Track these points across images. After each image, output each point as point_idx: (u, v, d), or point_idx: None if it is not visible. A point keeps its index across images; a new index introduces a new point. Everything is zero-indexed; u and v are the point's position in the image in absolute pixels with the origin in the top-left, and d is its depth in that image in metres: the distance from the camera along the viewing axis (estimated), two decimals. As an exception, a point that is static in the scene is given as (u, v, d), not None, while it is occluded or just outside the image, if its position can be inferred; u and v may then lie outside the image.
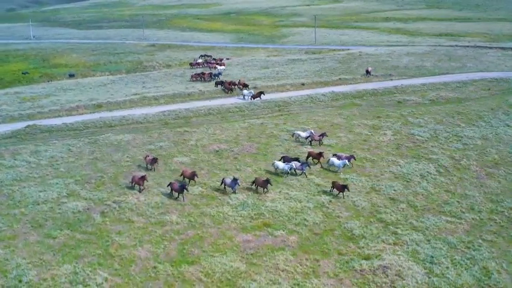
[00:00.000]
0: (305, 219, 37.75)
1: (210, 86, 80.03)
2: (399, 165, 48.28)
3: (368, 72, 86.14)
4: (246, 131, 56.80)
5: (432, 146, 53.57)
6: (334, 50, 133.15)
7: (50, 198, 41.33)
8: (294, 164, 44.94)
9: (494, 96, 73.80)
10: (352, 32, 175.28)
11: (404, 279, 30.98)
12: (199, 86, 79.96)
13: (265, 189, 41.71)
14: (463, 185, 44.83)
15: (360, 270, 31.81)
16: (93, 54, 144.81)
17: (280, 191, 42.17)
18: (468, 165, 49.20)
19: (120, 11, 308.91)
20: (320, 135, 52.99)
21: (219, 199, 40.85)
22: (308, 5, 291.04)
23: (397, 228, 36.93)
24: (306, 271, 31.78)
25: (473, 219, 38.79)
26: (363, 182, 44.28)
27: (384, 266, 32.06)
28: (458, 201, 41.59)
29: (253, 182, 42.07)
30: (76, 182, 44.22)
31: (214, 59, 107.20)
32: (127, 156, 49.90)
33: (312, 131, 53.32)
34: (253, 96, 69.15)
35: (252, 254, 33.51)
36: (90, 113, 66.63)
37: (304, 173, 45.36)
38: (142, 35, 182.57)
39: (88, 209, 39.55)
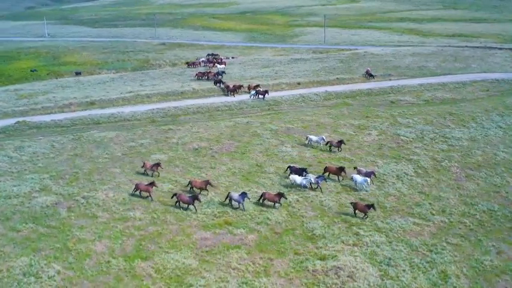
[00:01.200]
0: (268, 218, 37.42)
1: (206, 84, 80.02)
2: (377, 165, 47.54)
3: (367, 73, 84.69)
4: (230, 130, 56.60)
5: (415, 147, 52.64)
6: (342, 49, 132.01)
7: (22, 192, 41.71)
8: (311, 178, 41.82)
9: (492, 97, 72.20)
10: (364, 32, 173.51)
11: (355, 281, 30.46)
12: (195, 84, 80.00)
13: (277, 204, 38.69)
14: (438, 187, 43.95)
15: (313, 271, 31.39)
16: (103, 52, 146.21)
17: (249, 190, 41.90)
18: (449, 166, 48.24)
19: (138, 10, 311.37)
20: (337, 142, 50.33)
21: (186, 196, 40.77)
22: (324, 5, 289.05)
23: (360, 229, 36.34)
24: (257, 270, 31.49)
25: (442, 221, 38.04)
26: (335, 182, 43.67)
27: (338, 267, 31.57)
28: (430, 203, 40.81)
29: (261, 197, 39.12)
30: (50, 178, 44.59)
31: (214, 58, 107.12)
32: (106, 153, 50.16)
33: (324, 137, 51.11)
34: (259, 93, 70.21)
35: (206, 252, 33.36)
36: (82, 110, 67.23)
37: (320, 187, 42.14)
38: (154, 33, 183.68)
39: (56, 203, 39.81)
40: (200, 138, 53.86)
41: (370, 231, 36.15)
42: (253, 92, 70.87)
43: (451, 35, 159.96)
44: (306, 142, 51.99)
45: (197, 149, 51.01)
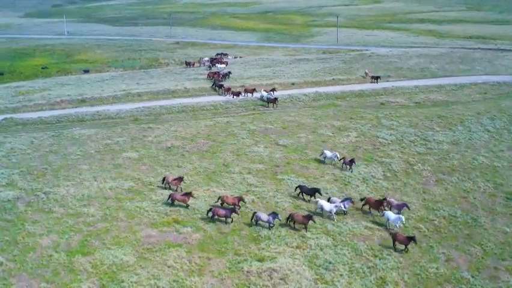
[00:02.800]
0: (218, 218, 37.26)
1: (199, 84, 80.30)
2: (346, 168, 46.82)
3: (367, 75, 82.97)
4: (209, 129, 56.62)
5: (391, 150, 51.66)
6: (351, 50, 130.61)
7: (-12, 187, 42.62)
8: (341, 203, 38.22)
9: (487, 100, 70.31)
10: (380, 33, 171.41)
11: (287, 284, 30.10)
12: (189, 83, 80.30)
13: (305, 226, 35.70)
14: (403, 191, 43.08)
15: (247, 272, 31.13)
16: (116, 50, 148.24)
17: (208, 189, 41.87)
18: (421, 170, 47.19)
19: (161, 9, 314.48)
20: (349, 161, 46.07)
21: (144, 194, 40.98)
22: (347, 5, 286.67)
23: (309, 231, 35.85)
24: (192, 269, 31.42)
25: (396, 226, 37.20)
26: (296, 184, 43.12)
27: (273, 269, 31.23)
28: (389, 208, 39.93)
29: (288, 218, 36.09)
30: (20, 173, 45.37)
31: (216, 58, 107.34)
32: (80, 150, 50.75)
33: (338, 154, 47.26)
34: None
35: (147, 249, 33.44)
36: (72, 107, 68.29)
37: (345, 211, 38.55)
38: (170, 32, 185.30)
39: (17, 198, 40.48)
40: (176, 137, 54.05)
41: (318, 233, 35.65)
42: (265, 93, 68.82)
43: (468, 36, 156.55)
44: (321, 158, 47.97)
45: (169, 147, 51.20)
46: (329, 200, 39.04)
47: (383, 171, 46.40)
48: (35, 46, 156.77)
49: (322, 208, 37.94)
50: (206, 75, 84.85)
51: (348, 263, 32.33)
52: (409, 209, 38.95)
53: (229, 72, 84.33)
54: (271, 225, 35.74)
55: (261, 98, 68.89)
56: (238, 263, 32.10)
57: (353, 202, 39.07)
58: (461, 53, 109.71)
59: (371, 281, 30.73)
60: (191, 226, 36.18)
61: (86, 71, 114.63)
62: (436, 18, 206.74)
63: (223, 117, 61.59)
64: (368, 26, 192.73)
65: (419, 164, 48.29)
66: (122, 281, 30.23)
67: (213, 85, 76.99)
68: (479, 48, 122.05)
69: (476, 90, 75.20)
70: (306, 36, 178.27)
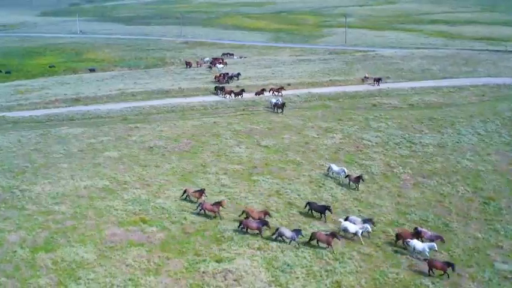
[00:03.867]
0: (185, 218, 37.40)
1: (194, 84, 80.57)
2: (323, 169, 46.54)
3: (367, 78, 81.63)
4: (194, 129, 56.82)
5: (374, 152, 51.22)
6: (359, 51, 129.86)
7: (-34, 184, 43.29)
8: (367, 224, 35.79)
9: (484, 102, 69.24)
10: (390, 34, 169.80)
11: (240, 285, 30.04)
12: (184, 83, 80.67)
13: (330, 245, 33.87)
14: (377, 194, 42.66)
15: (203, 272, 31.17)
16: (125, 50, 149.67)
17: (181, 189, 41.99)
18: (400, 173, 46.72)
19: (176, 8, 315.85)
20: (356, 178, 43.43)
21: (117, 193, 41.27)
22: (361, 6, 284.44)
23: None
24: (149, 268, 31.57)
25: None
26: (270, 185, 43.11)
27: (229, 270, 31.22)
28: (359, 210, 39.73)
29: (312, 237, 34.37)
30: (0, 170, 46.17)
31: (215, 58, 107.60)
32: (64, 149, 51.35)
33: (345, 170, 44.58)
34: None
35: (110, 247, 33.70)
36: (66, 106, 69.09)
37: (370, 232, 35.93)
38: (180, 32, 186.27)
39: (-6, 195, 41.28)
40: (160, 137, 54.37)
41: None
42: (273, 100, 65.51)
43: (479, 38, 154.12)
44: (327, 172, 45.51)
45: (152, 147, 51.52)
46: (346, 219, 36.78)
47: (361, 174, 45.93)
48: (46, 45, 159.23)
49: (346, 230, 35.51)
50: (213, 78, 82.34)
51: (306, 266, 32.12)
52: (443, 241, 35.45)
53: (239, 74, 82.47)
54: (295, 241, 34.07)
55: (270, 104, 64.93)
56: (197, 263, 32.15)
57: (373, 223, 36.58)
58: (466, 55, 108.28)
59: (326, 285, 30.47)
60: (157, 226, 36.37)
61: (92, 70, 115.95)
62: (449, 19, 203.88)
63: (211, 117, 61.74)
64: (379, 27, 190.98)
65: (400, 167, 47.81)
66: (79, 278, 30.55)
67: (215, 89, 73.49)
68: (486, 49, 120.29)
69: (474, 93, 74.05)
70: (316, 36, 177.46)
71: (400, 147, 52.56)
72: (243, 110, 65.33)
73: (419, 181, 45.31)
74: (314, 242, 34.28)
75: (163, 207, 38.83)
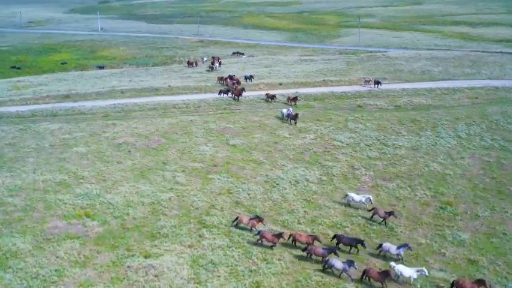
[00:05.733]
0: (127, 214, 37.96)
1: (186, 82, 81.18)
2: (283, 170, 46.33)
3: (367, 82, 79.76)
4: (168, 127, 57.37)
5: (342, 153, 50.66)
6: (370, 51, 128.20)
7: None
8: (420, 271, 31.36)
9: (475, 105, 67.42)
10: (407, 35, 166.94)
11: (159, 281, 30.33)
12: (176, 82, 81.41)
13: (383, 284, 30.82)
14: (330, 196, 42.19)
15: (128, 267, 31.66)
16: (139, 47, 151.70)
17: (134, 185, 42.61)
18: (361, 175, 46.11)
19: (202, 7, 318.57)
20: (386, 213, 37.95)
21: (71, 187, 42.20)
22: (386, 6, 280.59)
23: (210, 232, 35.87)
24: (77, 260, 32.23)
25: (303, 231, 36.46)
26: (224, 184, 43.21)
27: (152, 266, 31.62)
28: (305, 211, 39.39)
29: (364, 274, 31.14)
30: (-30, 164, 47.82)
31: (214, 56, 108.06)
32: (36, 144, 52.67)
33: (371, 197, 40.03)
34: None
35: (47, 239, 34.55)
36: (55, 102, 70.45)
37: (427, 276, 31.65)
38: (198, 31, 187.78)
39: (-44, 186, 42.74)
40: (132, 134, 55.15)
41: (218, 234, 35.62)
42: (284, 111, 60.46)
43: (498, 40, 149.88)
44: (345, 201, 40.53)
45: (121, 144, 52.31)
46: (380, 246, 34.23)
47: (320, 175, 45.58)
48: (64, 42, 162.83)
49: (401, 274, 31.41)
50: (211, 77, 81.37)
51: (231, 265, 32.13)
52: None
53: (251, 76, 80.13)
54: (347, 273, 31.46)
55: (281, 115, 60.40)
56: (125, 258, 32.63)
57: (410, 249, 33.94)
58: (475, 56, 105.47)
59: (245, 285, 30.40)
60: (98, 220, 37.05)
61: (101, 67, 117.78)
62: (472, 21, 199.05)
63: (190, 115, 62.16)
64: (398, 28, 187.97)
65: (363, 169, 47.18)
66: (9, 267, 31.57)
67: (225, 92, 69.71)
68: (500, 52, 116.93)
69: (467, 95, 72.16)
70: (333, 36, 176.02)
71: (370, 149, 51.82)
72: (224, 109, 65.50)
73: (378, 184, 44.61)
74: (366, 280, 31.35)
75: (110, 203, 39.52)
